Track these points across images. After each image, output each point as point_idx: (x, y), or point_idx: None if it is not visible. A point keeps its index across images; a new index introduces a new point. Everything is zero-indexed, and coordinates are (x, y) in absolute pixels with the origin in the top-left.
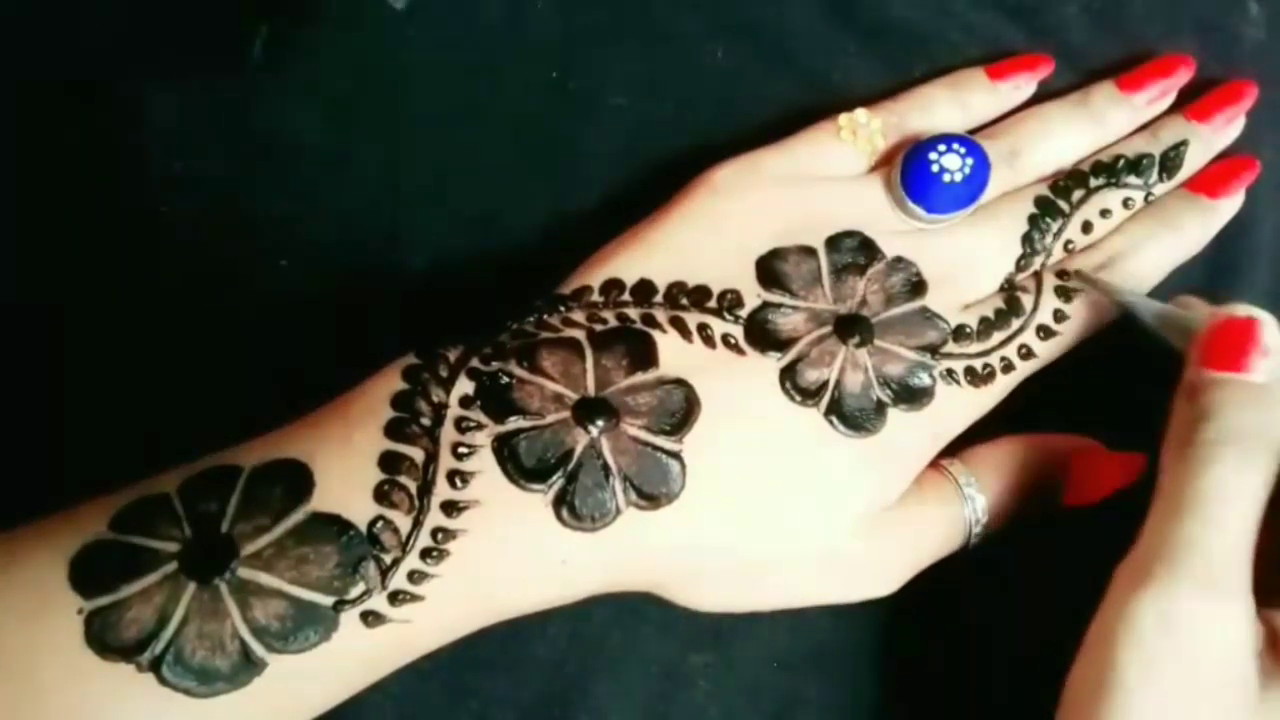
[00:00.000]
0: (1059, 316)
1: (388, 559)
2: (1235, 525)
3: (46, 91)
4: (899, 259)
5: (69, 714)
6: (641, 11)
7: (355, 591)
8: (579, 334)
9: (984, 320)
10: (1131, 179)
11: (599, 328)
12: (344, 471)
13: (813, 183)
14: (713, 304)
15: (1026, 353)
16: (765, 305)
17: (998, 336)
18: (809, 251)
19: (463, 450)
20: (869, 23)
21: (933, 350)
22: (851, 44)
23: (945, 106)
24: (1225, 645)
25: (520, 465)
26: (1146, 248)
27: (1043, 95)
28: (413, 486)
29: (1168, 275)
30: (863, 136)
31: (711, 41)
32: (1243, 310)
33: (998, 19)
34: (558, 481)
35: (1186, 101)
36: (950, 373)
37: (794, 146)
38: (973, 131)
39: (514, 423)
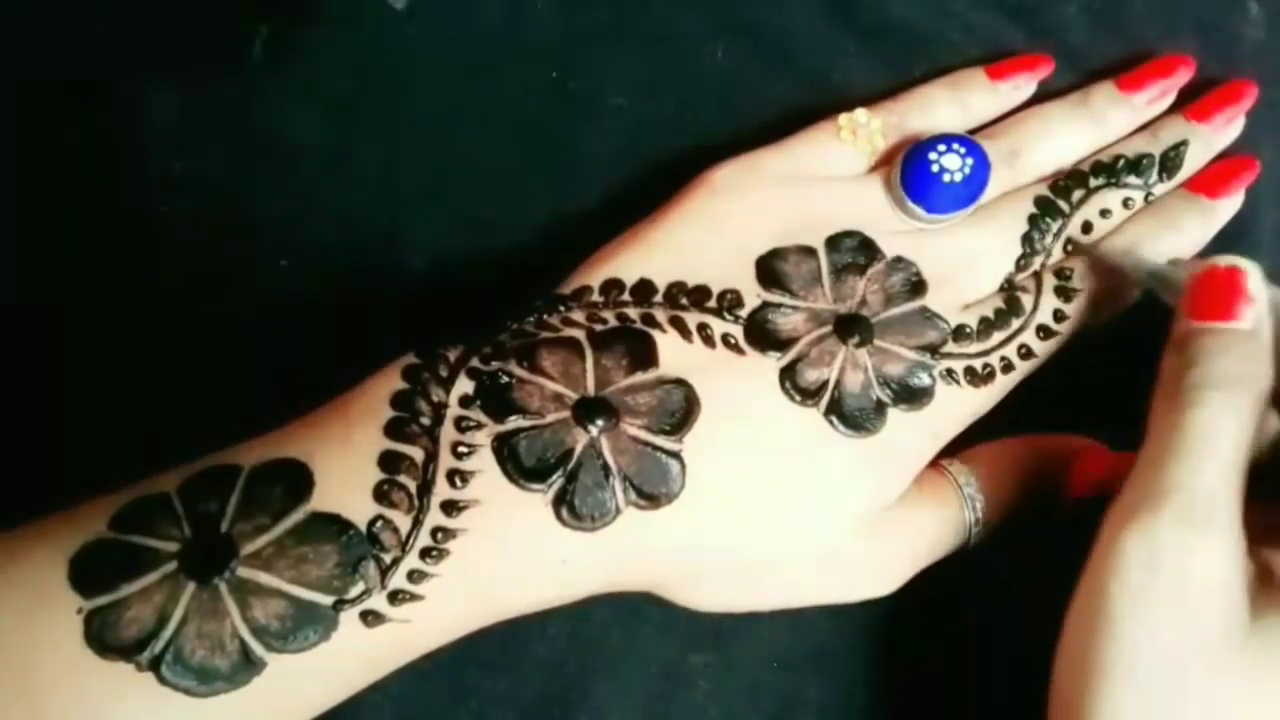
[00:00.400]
0: (1059, 316)
1: (387, 558)
2: (1218, 464)
3: (46, 91)
4: (899, 259)
5: (68, 713)
6: (641, 11)
7: (355, 591)
8: (579, 334)
9: (984, 320)
10: (1131, 179)
11: (599, 327)
12: (344, 471)
13: (813, 183)
14: (713, 304)
15: (1026, 352)
16: (765, 305)
17: (997, 336)
18: (809, 251)
19: (462, 450)
20: (869, 23)
21: (933, 350)
22: (851, 44)
23: (945, 106)
24: (1211, 577)
25: (520, 465)
26: (1146, 248)
27: (1043, 95)
28: (412, 486)
29: None
30: (863, 136)
31: (711, 41)
32: (1226, 260)
33: (998, 19)
34: (557, 481)
35: (1186, 101)
36: (950, 373)
37: (794, 146)
38: (973, 131)
39: (514, 422)
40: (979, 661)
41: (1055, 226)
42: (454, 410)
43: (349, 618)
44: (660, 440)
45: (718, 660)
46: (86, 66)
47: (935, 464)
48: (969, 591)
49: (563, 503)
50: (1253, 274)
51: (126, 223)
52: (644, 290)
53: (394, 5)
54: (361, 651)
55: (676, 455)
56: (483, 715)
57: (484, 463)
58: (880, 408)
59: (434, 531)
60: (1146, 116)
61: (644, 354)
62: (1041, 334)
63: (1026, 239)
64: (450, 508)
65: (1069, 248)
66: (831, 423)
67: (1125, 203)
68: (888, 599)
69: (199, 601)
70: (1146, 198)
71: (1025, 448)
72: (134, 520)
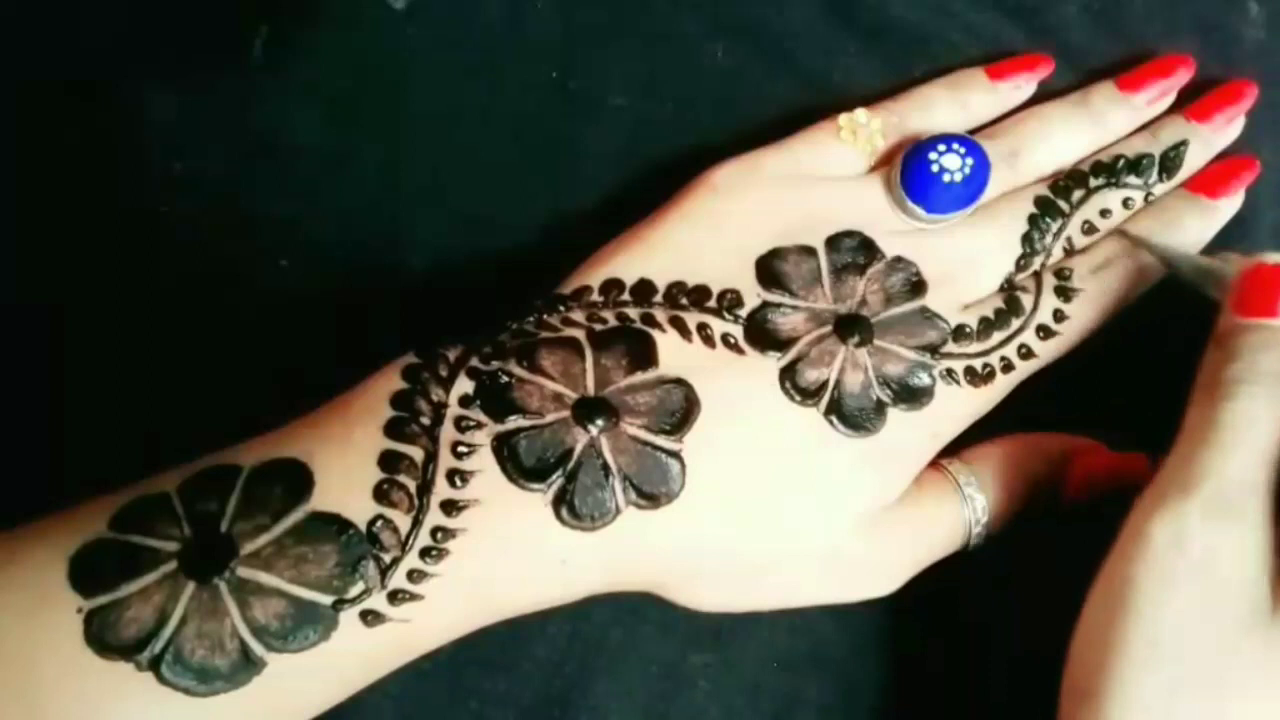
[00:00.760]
0: (1059, 316)
1: (387, 558)
2: (1251, 456)
3: (46, 91)
4: (899, 259)
5: (68, 712)
6: (641, 11)
7: (355, 591)
8: (579, 333)
9: (984, 320)
10: (1131, 179)
11: (599, 327)
12: (343, 470)
13: (813, 183)
14: (712, 304)
15: (1026, 353)
16: (765, 305)
17: (997, 336)
18: (809, 251)
19: (462, 449)
20: (869, 23)
21: (933, 350)
22: (851, 44)
23: (945, 106)
24: (1237, 565)
25: (520, 464)
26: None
27: (1043, 95)
28: (412, 485)
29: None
30: (863, 136)
31: (711, 41)
32: (1275, 257)
33: (998, 19)
34: (557, 481)
35: (1186, 101)
36: (950, 372)
37: (794, 146)
38: (973, 131)
39: (513, 422)
40: (979, 661)
41: (1055, 226)
42: (454, 410)
43: (349, 617)
44: (660, 440)
45: (718, 660)
46: (86, 66)
47: (935, 464)
48: (969, 591)
49: (562, 502)
50: None
51: (126, 223)
52: (644, 290)
53: (394, 5)
54: (361, 651)
55: (676, 455)
56: (483, 715)
57: (484, 462)
58: (880, 408)
59: (434, 531)
60: (1146, 116)
61: (644, 354)
62: (1041, 334)
63: (1026, 239)
64: (450, 507)
65: (1112, 237)
66: (831, 423)
67: (1125, 203)
68: (888, 599)
69: (199, 601)
70: (1146, 198)
71: (1025, 447)
72: (134, 520)
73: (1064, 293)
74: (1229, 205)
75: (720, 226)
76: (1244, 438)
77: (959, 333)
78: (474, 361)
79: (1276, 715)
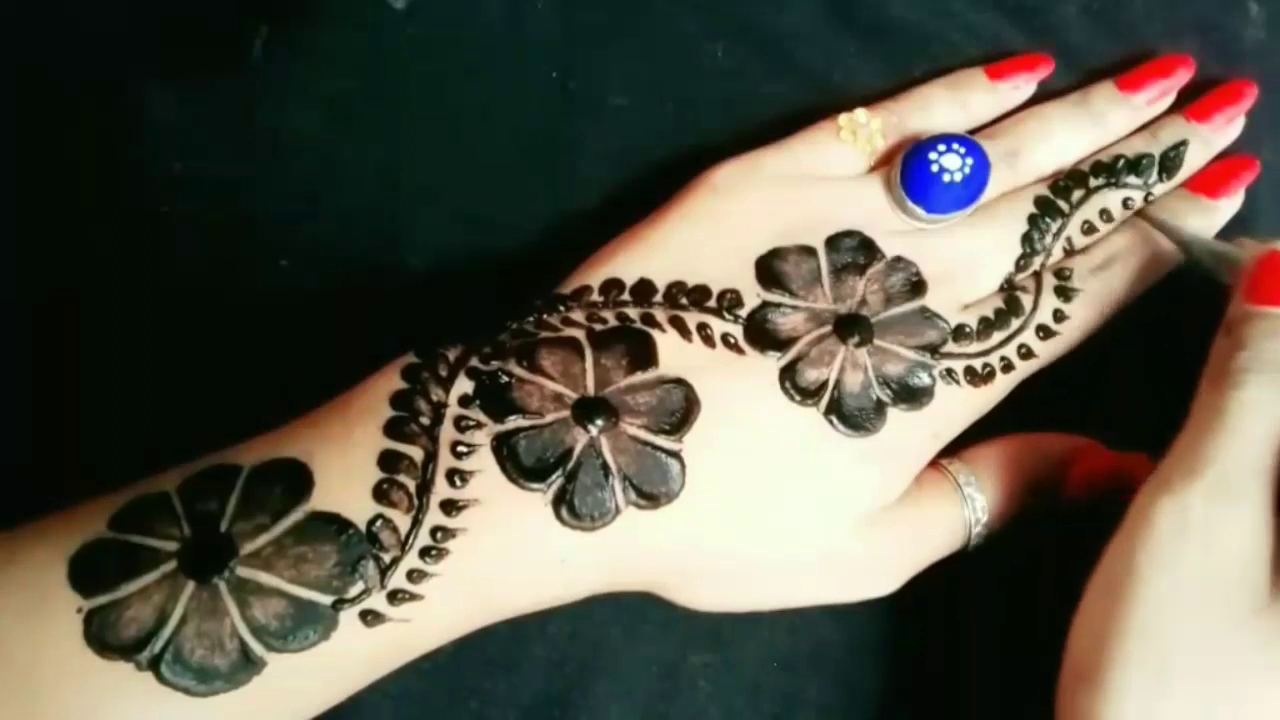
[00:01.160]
0: (1059, 316)
1: (387, 558)
2: (1256, 443)
3: (47, 91)
4: (899, 259)
5: (68, 712)
6: (641, 11)
7: (354, 590)
8: (578, 333)
9: (984, 320)
10: (1131, 179)
11: (598, 327)
12: (343, 470)
13: (812, 183)
14: (712, 304)
15: (1026, 353)
16: (765, 305)
17: (997, 336)
18: (809, 251)
19: (462, 449)
20: (869, 23)
21: (932, 350)
22: (851, 44)
23: (945, 106)
24: (1237, 548)
25: (519, 464)
26: (1146, 248)
27: (1043, 95)
28: (412, 485)
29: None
30: (862, 136)
31: (711, 41)
32: None
33: (998, 19)
34: (557, 480)
35: (1186, 101)
36: (950, 372)
37: (794, 146)
38: (973, 132)
39: (513, 422)
40: (979, 661)
41: (1055, 226)
42: (453, 410)
43: (348, 617)
44: (660, 440)
45: (718, 660)
46: (86, 66)
47: (935, 464)
48: (969, 591)
49: (562, 502)
50: None
51: (126, 223)
52: (644, 290)
53: (394, 5)
54: (361, 651)
55: (676, 455)
56: (483, 715)
57: (483, 462)
58: (880, 407)
59: (433, 531)
60: (1146, 116)
61: (644, 354)
62: (1041, 334)
63: (1026, 239)
64: (450, 507)
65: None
66: (831, 422)
67: (1125, 203)
68: (888, 599)
69: (198, 601)
70: (1146, 198)
71: (1025, 447)
72: (134, 520)
73: (1064, 293)
74: (1229, 205)
75: (720, 226)
76: (1249, 425)
77: (959, 333)
78: (474, 361)
79: (1272, 697)
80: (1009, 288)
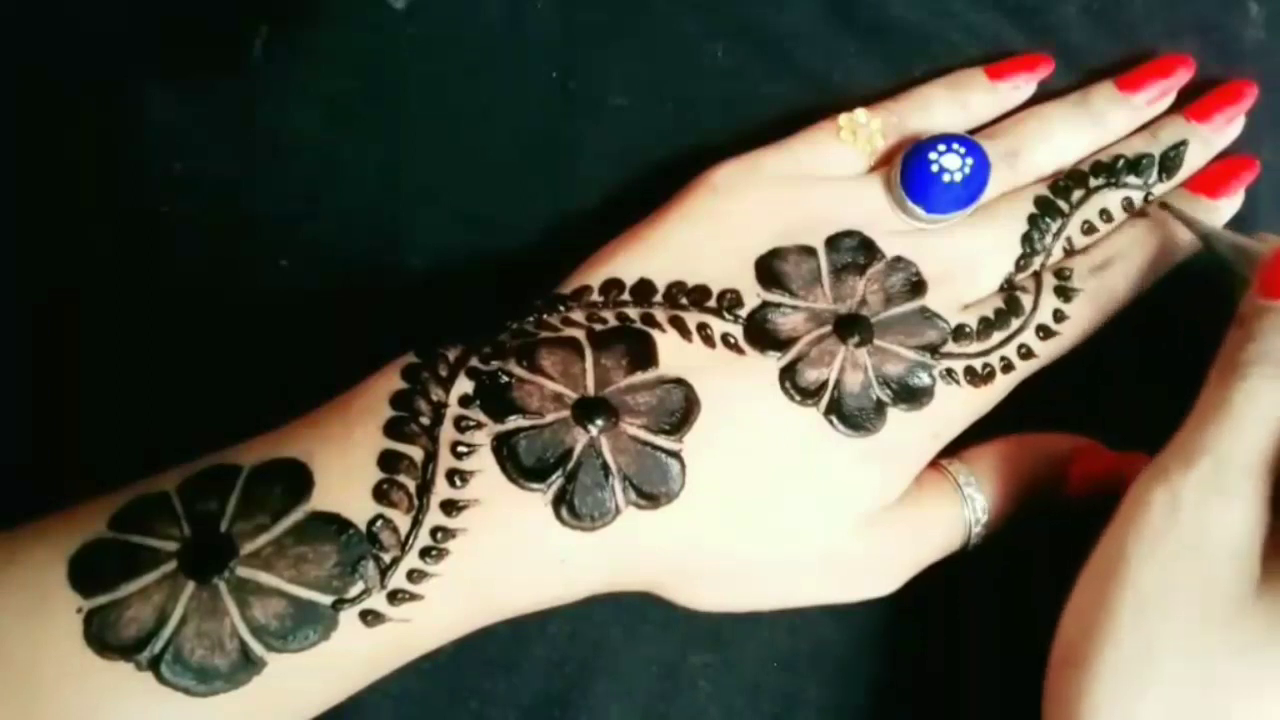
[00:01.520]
0: (1059, 316)
1: (387, 558)
2: (1255, 435)
3: (47, 91)
4: (898, 259)
5: (68, 712)
6: (641, 11)
7: (354, 591)
8: (578, 333)
9: (984, 320)
10: (1131, 179)
11: (598, 327)
12: (343, 470)
13: (812, 183)
14: (712, 303)
15: (1026, 353)
16: (765, 305)
17: (997, 336)
18: (809, 251)
19: (462, 449)
20: (869, 23)
21: (932, 350)
22: (851, 44)
23: (945, 106)
24: (1229, 537)
25: (519, 464)
26: (1146, 248)
27: (1043, 95)
28: (412, 485)
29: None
30: (862, 136)
31: (711, 41)
32: None
33: (998, 19)
34: (557, 481)
35: (1186, 101)
36: (950, 372)
37: (794, 146)
38: (972, 132)
39: (513, 422)
40: (979, 661)
41: (1055, 226)
42: (454, 410)
43: (348, 617)
44: (660, 440)
45: (718, 660)
46: (87, 66)
47: (935, 464)
48: (969, 591)
49: (562, 502)
50: None
51: (126, 223)
52: (644, 290)
53: (394, 5)
54: (361, 651)
55: (676, 455)
56: (483, 715)
57: (483, 462)
58: (880, 407)
59: (433, 531)
60: (1146, 116)
61: (644, 354)
62: (1041, 334)
63: (1026, 239)
64: (450, 507)
65: (1153, 208)
66: (831, 422)
67: (1125, 203)
68: (888, 599)
69: (198, 601)
70: (1146, 198)
71: (1025, 447)
72: (134, 520)
73: (1064, 293)
74: (1229, 205)
75: (720, 226)
76: (1251, 418)
77: (959, 332)
78: (474, 361)
79: (1254, 685)
80: (1009, 288)
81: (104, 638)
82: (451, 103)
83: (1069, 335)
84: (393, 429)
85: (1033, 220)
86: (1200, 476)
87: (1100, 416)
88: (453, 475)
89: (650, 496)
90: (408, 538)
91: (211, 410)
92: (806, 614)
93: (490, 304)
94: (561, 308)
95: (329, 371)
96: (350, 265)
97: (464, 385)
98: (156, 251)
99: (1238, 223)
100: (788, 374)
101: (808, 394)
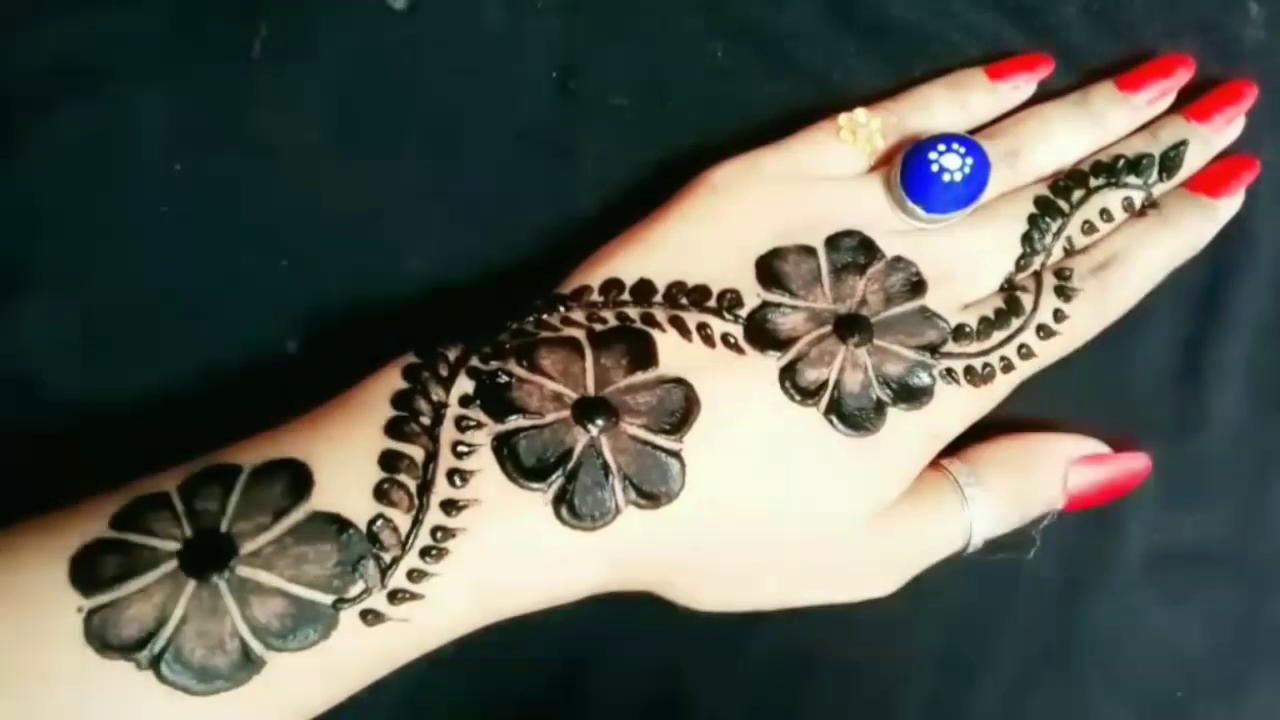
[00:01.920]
0: (1059, 316)
1: (387, 557)
2: None
3: (46, 91)
4: (898, 258)
5: (68, 711)
6: (641, 11)
7: (355, 590)
8: (578, 333)
9: (984, 320)
10: (1131, 179)
11: (598, 327)
12: (343, 470)
13: (812, 182)
14: (712, 303)
15: (1026, 352)
16: (765, 305)
17: (998, 336)
18: (808, 251)
19: (462, 449)
20: (869, 23)
21: (932, 350)
22: (851, 44)
23: (944, 106)
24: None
25: (520, 464)
26: (1147, 248)
27: (1043, 95)
28: (412, 485)
29: (1168, 275)
30: (862, 136)
31: (711, 41)
32: None
33: (998, 19)
34: (557, 480)
35: (1186, 101)
36: (950, 372)
37: (793, 146)
38: (973, 132)
39: (513, 421)
40: (979, 661)
41: (1055, 226)
42: (454, 409)
43: (349, 617)
44: (660, 439)
45: (718, 660)
46: (86, 65)
47: (935, 464)
48: (968, 591)
49: (562, 502)
50: None
51: (126, 223)
52: (644, 290)
53: (394, 5)
54: (361, 651)
55: (676, 454)
56: (483, 715)
57: (484, 462)
58: (880, 407)
59: (434, 530)
60: (1146, 116)
61: (644, 353)
62: (1042, 334)
63: (1026, 239)
64: (450, 507)
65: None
66: (831, 422)
67: (1125, 203)
68: (888, 599)
69: (199, 600)
70: (1146, 198)
71: (1025, 447)
72: (134, 519)
73: (1064, 292)
74: (1229, 205)
75: (720, 226)
76: None
77: (959, 332)
78: (474, 361)
79: None
80: (1009, 287)
81: (104, 637)
82: (451, 103)
83: (1069, 335)
84: (393, 428)
85: (1033, 220)
86: None
87: (1100, 416)
88: (453, 475)
89: (650, 496)
90: (408, 537)
91: (211, 410)
92: (806, 614)
93: (490, 304)
94: (561, 308)
95: (329, 372)
96: (350, 265)
97: (464, 385)
98: (156, 251)
99: (1238, 223)
100: (788, 374)
101: (808, 394)
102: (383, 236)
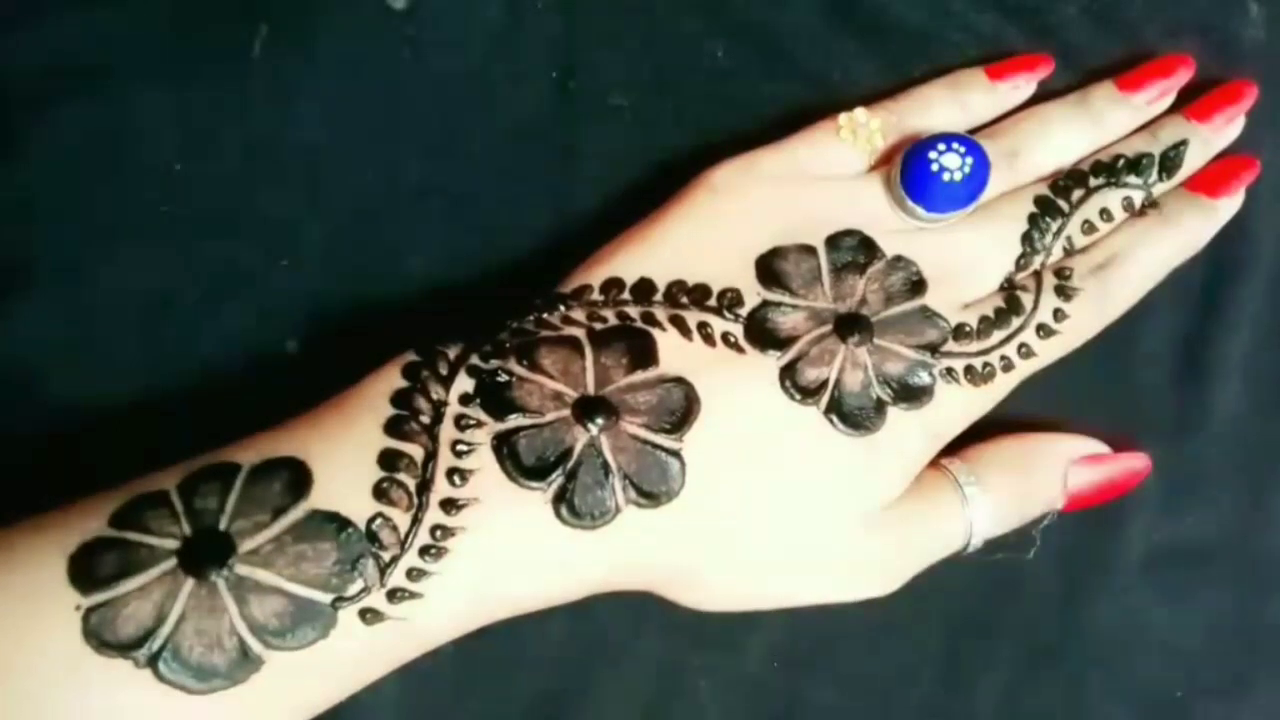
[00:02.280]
0: (1059, 315)
1: (386, 556)
2: None
3: (46, 90)
4: (899, 258)
5: (66, 710)
6: (641, 11)
7: (354, 589)
8: (579, 332)
9: (984, 319)
10: (1131, 179)
11: (599, 326)
12: (343, 469)
13: (812, 182)
14: (713, 302)
15: (1026, 352)
16: (765, 304)
17: (998, 335)
18: (809, 250)
19: (462, 448)
20: (869, 23)
21: (933, 349)
22: (851, 44)
23: (944, 106)
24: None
25: (519, 463)
26: (1146, 247)
27: (1043, 95)
28: (412, 484)
29: (1168, 275)
30: (862, 136)
31: (711, 41)
32: None
33: (998, 19)
34: (557, 479)
35: (1186, 101)
36: (950, 371)
37: (793, 146)
38: (973, 132)
39: (513, 420)
40: (979, 661)
41: (1055, 226)
42: (454, 408)
43: (348, 616)
44: (660, 439)
45: (718, 660)
46: (86, 65)
47: (935, 464)
48: (968, 592)
49: (562, 501)
50: None
51: (126, 222)
52: (644, 289)
53: (394, 5)
54: (360, 650)
55: (676, 454)
56: (483, 715)
57: (483, 461)
58: (880, 406)
59: (433, 529)
60: (1146, 116)
61: (644, 352)
62: (1042, 333)
63: (1026, 238)
64: (449, 506)
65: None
66: (831, 421)
67: (1125, 202)
68: (888, 599)
69: (197, 599)
70: (1146, 197)
71: (1025, 447)
72: (133, 517)
73: (1064, 292)
74: (1229, 205)
75: (720, 225)
76: None
77: (959, 332)
78: (474, 360)
79: None
80: (1009, 287)
81: (102, 635)
82: (451, 103)
83: (1069, 335)
84: (393, 427)
85: (1033, 219)
86: None
87: (1101, 417)
88: (453, 474)
89: (650, 495)
90: (407, 536)
91: (211, 410)
92: (806, 614)
93: (490, 304)
94: (562, 307)
95: (329, 372)
96: (350, 265)
97: (464, 384)
98: (156, 251)
99: (1238, 222)
100: (788, 373)
101: (808, 393)
102: (383, 236)
